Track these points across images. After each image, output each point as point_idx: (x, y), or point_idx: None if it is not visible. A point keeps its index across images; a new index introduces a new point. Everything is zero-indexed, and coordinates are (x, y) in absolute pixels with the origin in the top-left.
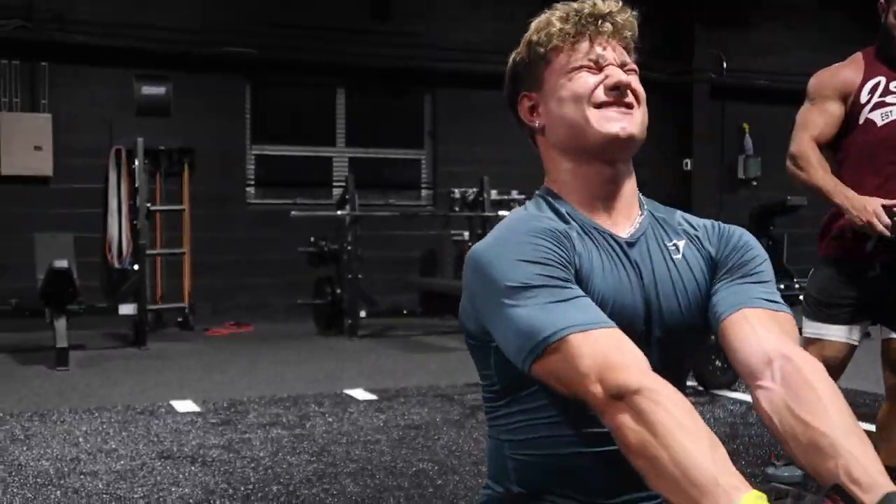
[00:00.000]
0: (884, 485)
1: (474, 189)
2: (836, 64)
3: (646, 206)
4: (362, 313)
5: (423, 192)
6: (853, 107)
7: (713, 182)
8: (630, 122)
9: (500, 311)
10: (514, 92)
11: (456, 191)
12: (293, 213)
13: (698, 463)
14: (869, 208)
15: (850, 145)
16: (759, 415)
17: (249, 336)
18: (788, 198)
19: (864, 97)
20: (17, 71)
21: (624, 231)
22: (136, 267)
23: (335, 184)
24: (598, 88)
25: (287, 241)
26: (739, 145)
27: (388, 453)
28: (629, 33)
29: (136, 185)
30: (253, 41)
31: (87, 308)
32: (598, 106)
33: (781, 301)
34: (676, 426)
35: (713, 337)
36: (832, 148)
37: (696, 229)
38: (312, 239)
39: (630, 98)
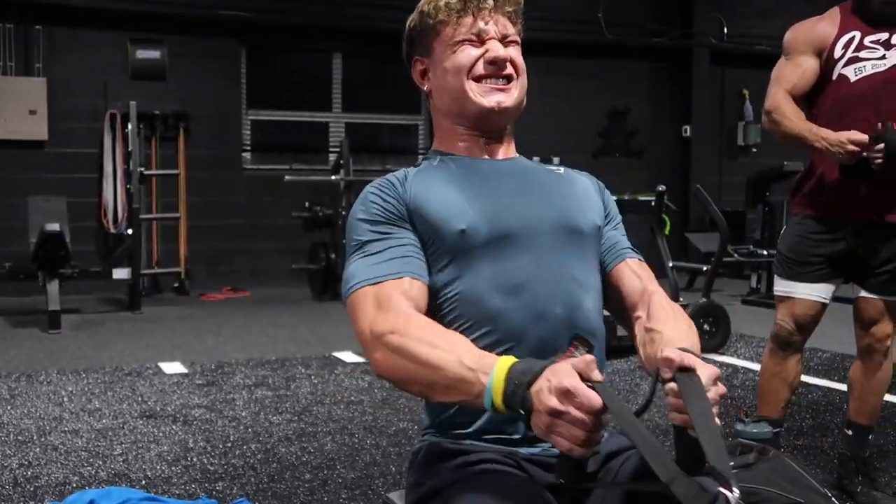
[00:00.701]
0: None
1: None
2: (813, 18)
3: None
4: None
5: (420, 158)
6: (827, 62)
7: (712, 149)
8: (506, 96)
9: (346, 261)
10: (410, 54)
11: None
12: (287, 177)
13: (452, 365)
14: (842, 137)
15: (823, 101)
16: (632, 339)
17: (245, 301)
18: (785, 163)
19: (838, 52)
20: (11, 34)
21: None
22: (130, 231)
23: (331, 149)
24: (478, 62)
25: (283, 206)
26: (739, 112)
27: (370, 413)
28: (511, 8)
29: (130, 150)
30: (248, 4)
31: (82, 272)
32: (478, 79)
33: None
34: (425, 348)
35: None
36: (808, 103)
37: (573, 171)
38: (307, 204)
39: (509, 70)
